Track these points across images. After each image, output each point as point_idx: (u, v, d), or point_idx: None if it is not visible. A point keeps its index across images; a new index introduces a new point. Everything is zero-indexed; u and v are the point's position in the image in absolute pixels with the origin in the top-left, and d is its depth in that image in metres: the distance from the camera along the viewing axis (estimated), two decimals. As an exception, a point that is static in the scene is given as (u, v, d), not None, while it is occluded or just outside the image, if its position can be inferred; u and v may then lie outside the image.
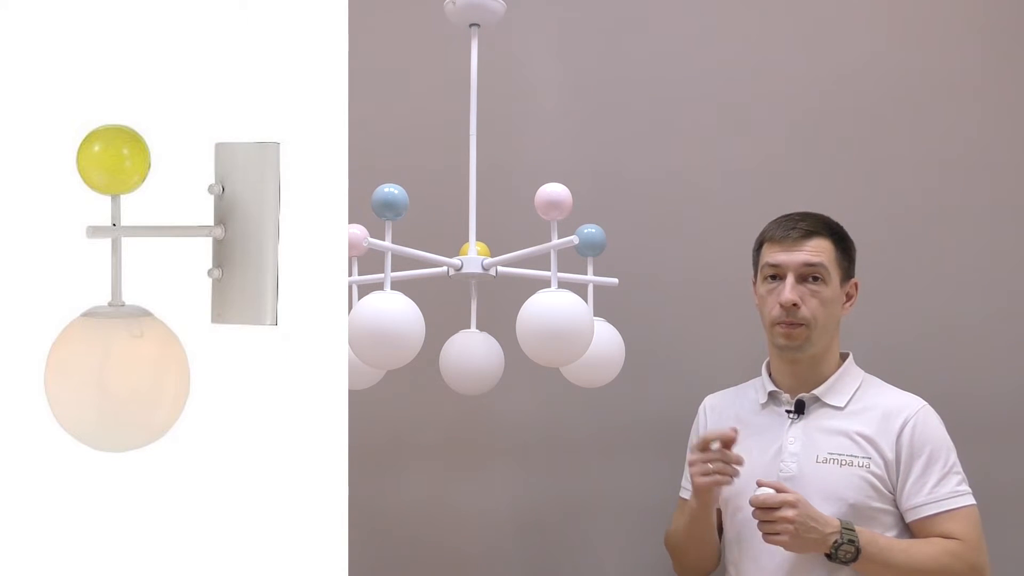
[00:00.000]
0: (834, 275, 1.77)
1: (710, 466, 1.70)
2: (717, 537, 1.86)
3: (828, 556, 1.66)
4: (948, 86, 2.18)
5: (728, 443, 1.69)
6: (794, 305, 1.74)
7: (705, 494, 1.74)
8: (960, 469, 1.73)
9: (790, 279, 1.75)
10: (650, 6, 2.24)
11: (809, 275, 1.76)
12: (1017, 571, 2.02)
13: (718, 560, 1.88)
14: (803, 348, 1.77)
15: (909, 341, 2.11)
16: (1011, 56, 2.19)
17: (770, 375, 1.84)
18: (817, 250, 1.76)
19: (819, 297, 1.75)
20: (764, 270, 1.80)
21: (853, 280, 1.81)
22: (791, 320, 1.75)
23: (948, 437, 1.75)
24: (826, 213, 1.84)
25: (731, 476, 1.70)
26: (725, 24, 2.23)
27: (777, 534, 1.64)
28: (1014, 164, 2.16)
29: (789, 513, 1.63)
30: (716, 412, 1.90)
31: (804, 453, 1.75)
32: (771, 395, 1.83)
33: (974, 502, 1.72)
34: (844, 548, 1.64)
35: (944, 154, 2.17)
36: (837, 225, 1.82)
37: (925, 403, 1.76)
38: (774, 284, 1.78)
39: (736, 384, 1.93)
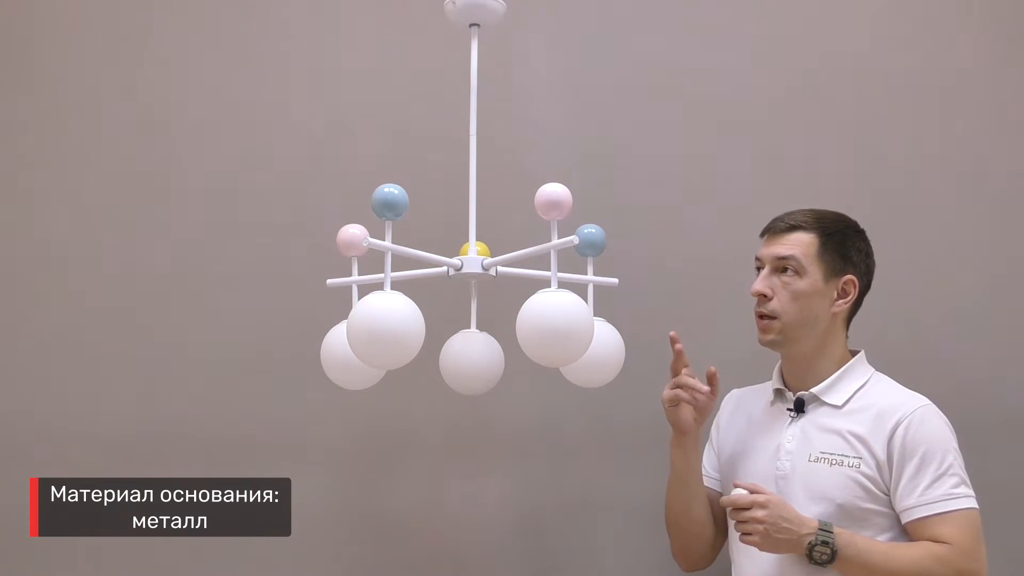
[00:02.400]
0: (813, 269, 1.75)
1: (681, 393, 1.75)
2: (709, 520, 1.84)
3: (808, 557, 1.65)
4: (950, 84, 2.18)
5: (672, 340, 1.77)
6: (764, 296, 1.76)
7: (680, 428, 1.77)
8: (959, 471, 1.67)
9: (765, 271, 1.77)
10: (649, 6, 2.24)
11: (782, 267, 1.76)
12: (1017, 572, 2.01)
13: (712, 549, 1.86)
14: (780, 343, 1.77)
15: (908, 340, 2.11)
16: (1011, 54, 2.19)
17: (781, 374, 1.84)
18: (792, 243, 1.76)
19: (790, 290, 1.74)
20: (755, 264, 1.82)
21: (848, 277, 1.77)
22: (761, 312, 1.77)
23: (951, 438, 1.69)
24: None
25: (694, 394, 1.74)
26: (725, 24, 2.23)
27: (749, 534, 1.65)
28: (1014, 162, 2.16)
29: (759, 514, 1.63)
30: (730, 407, 1.91)
31: (798, 452, 1.74)
32: (777, 393, 1.83)
33: (973, 506, 1.66)
34: (818, 549, 1.62)
35: (944, 152, 2.17)
36: (836, 221, 1.79)
37: (926, 403, 1.71)
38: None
39: (734, 384, 1.93)
